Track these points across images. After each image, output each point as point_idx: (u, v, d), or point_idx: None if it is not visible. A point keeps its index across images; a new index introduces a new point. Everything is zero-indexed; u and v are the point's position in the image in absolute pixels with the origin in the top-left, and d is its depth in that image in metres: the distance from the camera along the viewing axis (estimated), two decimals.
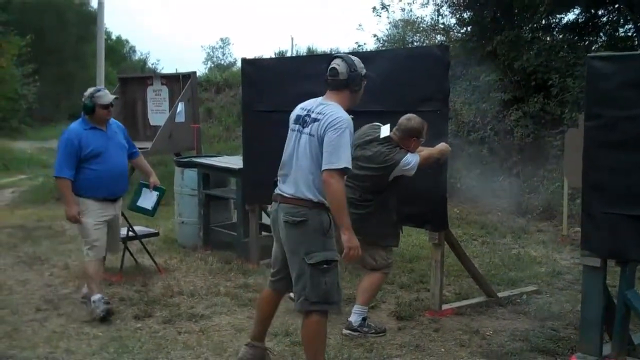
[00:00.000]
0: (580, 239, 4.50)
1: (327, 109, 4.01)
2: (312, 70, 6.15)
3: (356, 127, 5.25)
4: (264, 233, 7.33)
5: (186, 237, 8.12)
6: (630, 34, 12.38)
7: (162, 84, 12.84)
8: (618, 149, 4.25)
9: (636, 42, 11.92)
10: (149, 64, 48.58)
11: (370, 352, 4.85)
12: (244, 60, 7.34)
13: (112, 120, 5.85)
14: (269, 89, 6.84)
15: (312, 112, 4.07)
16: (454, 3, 14.28)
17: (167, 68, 47.82)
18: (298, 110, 4.21)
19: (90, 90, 5.73)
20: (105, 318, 5.45)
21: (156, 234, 7.64)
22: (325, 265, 3.98)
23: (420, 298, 6.08)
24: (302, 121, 4.10)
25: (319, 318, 4.06)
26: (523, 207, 10.28)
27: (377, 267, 5.29)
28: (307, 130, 4.04)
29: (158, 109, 12.92)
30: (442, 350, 4.94)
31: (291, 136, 4.18)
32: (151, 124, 12.89)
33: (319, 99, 4.18)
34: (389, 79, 5.66)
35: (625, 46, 11.64)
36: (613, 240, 4.27)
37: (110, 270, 6.73)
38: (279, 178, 4.22)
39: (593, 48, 12.22)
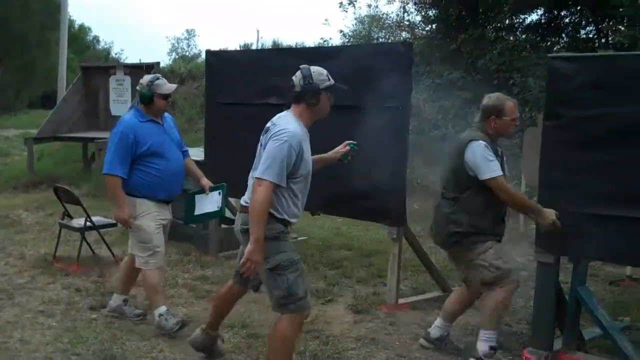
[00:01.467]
0: (535, 236, 4.59)
1: (280, 120, 3.93)
2: (277, 63, 6.14)
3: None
4: (223, 225, 7.29)
5: None
6: (591, 35, 12.58)
7: (125, 73, 12.72)
8: (577, 148, 4.33)
9: (597, 43, 12.11)
10: (113, 54, 48.04)
11: (325, 345, 4.87)
12: (208, 52, 7.29)
13: (165, 114, 5.38)
14: (233, 81, 6.78)
15: (272, 123, 3.98)
16: (419, 0, 14.37)
17: (131, 58, 47.39)
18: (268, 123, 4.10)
19: (147, 77, 5.15)
20: (181, 329, 4.97)
21: (114, 225, 7.34)
22: (283, 266, 3.88)
23: (377, 292, 6.12)
24: (264, 134, 4.00)
25: (288, 318, 3.94)
26: None
27: (490, 282, 4.47)
28: (262, 141, 3.98)
29: (120, 99, 12.81)
30: (397, 343, 4.99)
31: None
32: (112, 113, 12.76)
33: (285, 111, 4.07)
34: (353, 75, 5.59)
35: (586, 47, 11.82)
36: (567, 237, 4.35)
37: (67, 260, 6.66)
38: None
39: (555, 49, 12.41)
